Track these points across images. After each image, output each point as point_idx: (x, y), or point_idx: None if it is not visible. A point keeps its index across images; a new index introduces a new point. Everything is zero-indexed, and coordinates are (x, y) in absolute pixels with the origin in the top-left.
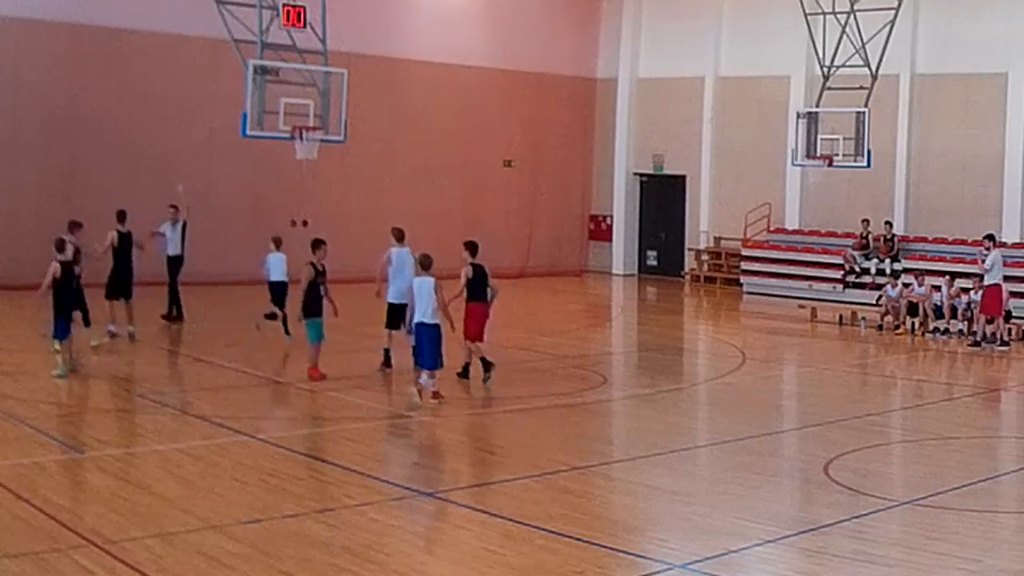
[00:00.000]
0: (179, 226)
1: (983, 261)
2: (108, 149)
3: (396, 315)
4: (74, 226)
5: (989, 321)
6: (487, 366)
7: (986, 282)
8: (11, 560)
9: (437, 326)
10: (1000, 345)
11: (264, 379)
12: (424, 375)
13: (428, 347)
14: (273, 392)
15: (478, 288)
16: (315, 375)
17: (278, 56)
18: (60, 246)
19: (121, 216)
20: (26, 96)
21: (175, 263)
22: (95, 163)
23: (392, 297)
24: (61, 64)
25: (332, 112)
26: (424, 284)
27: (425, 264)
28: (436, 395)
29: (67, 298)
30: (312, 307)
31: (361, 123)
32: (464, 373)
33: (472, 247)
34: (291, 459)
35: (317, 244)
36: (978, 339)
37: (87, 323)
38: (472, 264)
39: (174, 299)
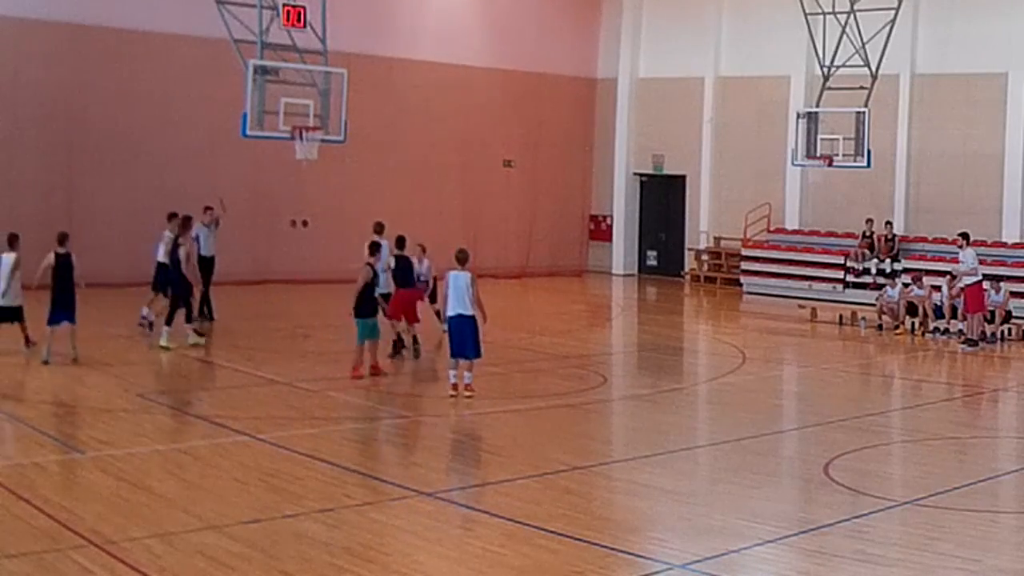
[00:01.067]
0: (213, 227)
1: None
2: (108, 149)
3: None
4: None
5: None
6: (399, 345)
7: (968, 281)
8: (11, 560)
9: (474, 317)
10: (969, 344)
11: (264, 379)
12: (458, 364)
13: (471, 337)
14: (273, 392)
15: (403, 276)
16: (356, 374)
17: (278, 56)
18: (61, 239)
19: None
20: (26, 96)
21: (208, 264)
22: (95, 163)
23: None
24: (61, 64)
25: (332, 112)
26: (461, 278)
27: (461, 259)
28: (469, 388)
29: (61, 288)
30: (365, 307)
31: (361, 123)
32: (395, 350)
33: (398, 241)
34: (291, 459)
35: (375, 248)
36: (975, 338)
37: (189, 319)
38: (396, 256)
39: (205, 300)
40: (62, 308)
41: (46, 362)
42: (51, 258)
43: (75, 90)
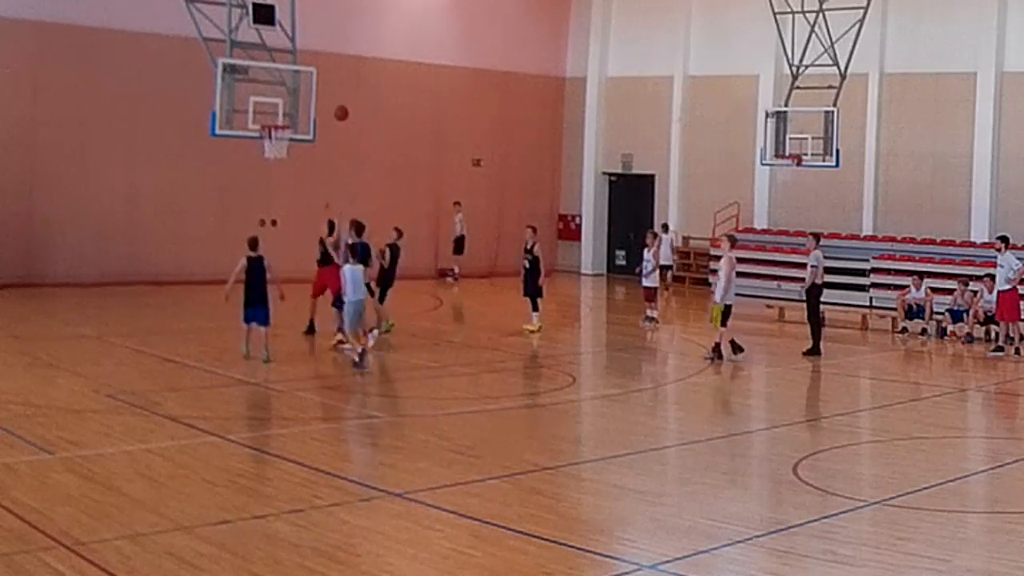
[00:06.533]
0: None
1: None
2: (73, 149)
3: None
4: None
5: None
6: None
7: (1005, 287)
8: None
9: None
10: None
11: (233, 380)
12: None
13: None
14: (242, 393)
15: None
16: None
17: (247, 55)
18: (253, 243)
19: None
20: None
21: None
22: (59, 163)
23: None
24: (25, 62)
25: (301, 111)
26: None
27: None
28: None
29: (254, 290)
30: None
31: (330, 122)
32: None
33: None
34: (261, 460)
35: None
36: (1002, 344)
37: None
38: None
39: None
40: (255, 309)
41: (246, 356)
42: (244, 262)
43: (39, 89)
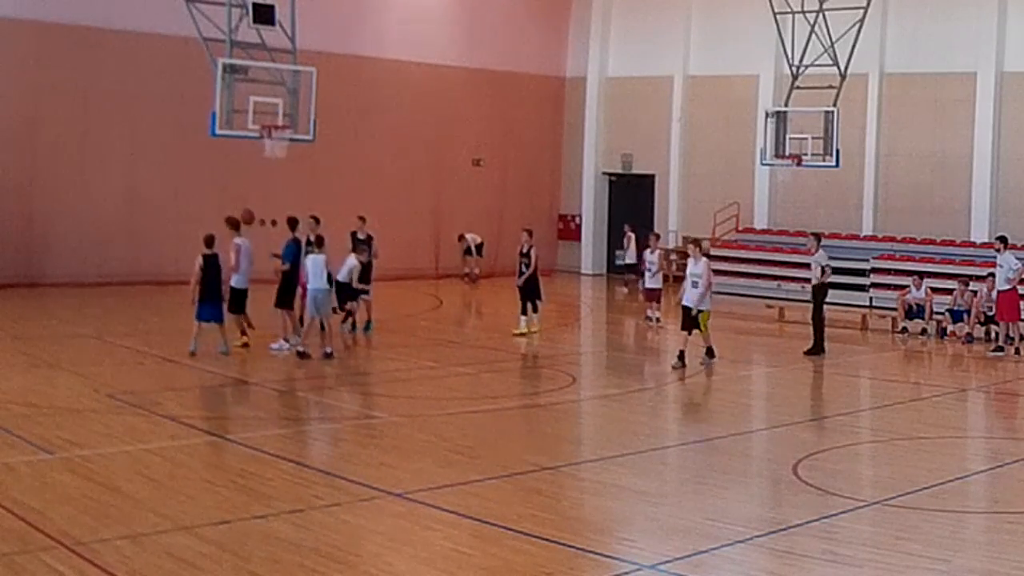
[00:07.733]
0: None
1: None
2: (73, 149)
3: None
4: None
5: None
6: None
7: (1004, 287)
8: None
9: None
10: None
11: (233, 380)
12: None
13: None
14: (242, 393)
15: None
16: None
17: (247, 54)
18: (209, 241)
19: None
20: None
21: None
22: (59, 163)
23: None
24: (25, 62)
25: (301, 111)
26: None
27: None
28: None
29: (209, 287)
30: None
31: (330, 122)
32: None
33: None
34: (260, 460)
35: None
36: (1002, 344)
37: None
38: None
39: None
40: (209, 306)
41: (193, 353)
42: (200, 260)
43: (40, 89)
